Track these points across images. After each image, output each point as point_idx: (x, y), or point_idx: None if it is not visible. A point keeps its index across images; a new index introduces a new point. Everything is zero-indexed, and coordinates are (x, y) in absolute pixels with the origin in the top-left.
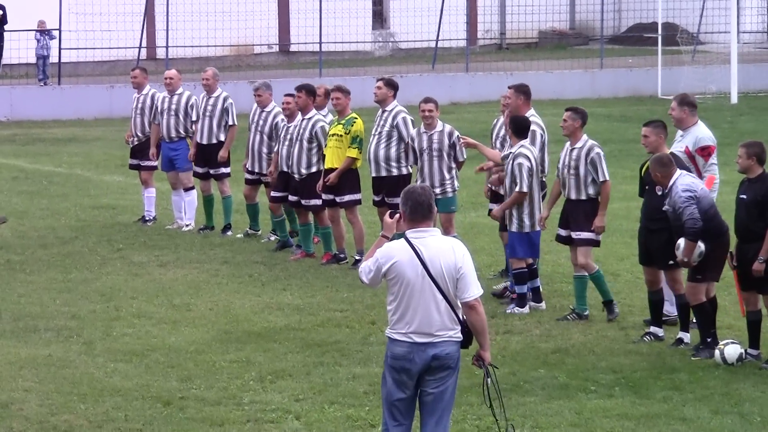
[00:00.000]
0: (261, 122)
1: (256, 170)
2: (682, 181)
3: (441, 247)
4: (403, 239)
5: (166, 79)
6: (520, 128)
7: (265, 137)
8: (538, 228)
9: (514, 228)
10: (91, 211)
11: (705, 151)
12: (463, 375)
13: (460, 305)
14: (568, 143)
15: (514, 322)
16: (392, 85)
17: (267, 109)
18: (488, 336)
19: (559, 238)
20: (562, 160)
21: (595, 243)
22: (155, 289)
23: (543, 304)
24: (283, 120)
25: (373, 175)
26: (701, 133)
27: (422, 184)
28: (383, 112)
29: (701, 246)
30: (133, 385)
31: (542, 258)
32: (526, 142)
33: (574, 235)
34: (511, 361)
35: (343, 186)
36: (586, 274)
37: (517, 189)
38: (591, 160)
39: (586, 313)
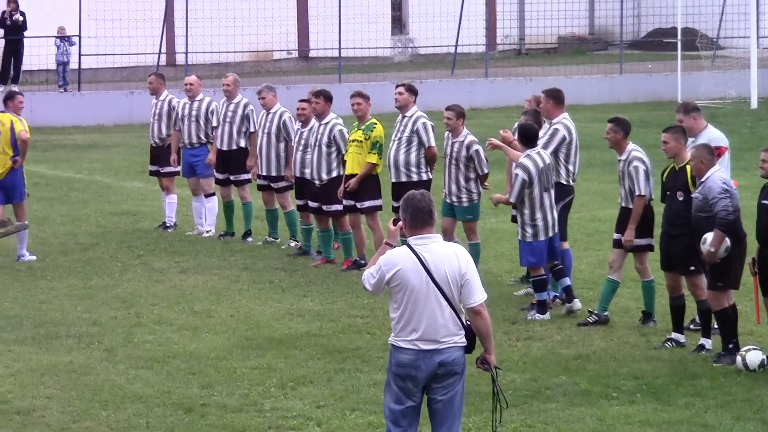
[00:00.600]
0: (268, 124)
1: (264, 173)
2: (721, 174)
3: (444, 253)
4: (405, 246)
5: (186, 85)
6: (526, 136)
7: (273, 138)
8: (541, 237)
9: (519, 236)
10: (112, 217)
11: (717, 152)
12: (484, 382)
13: (463, 310)
14: (617, 154)
15: (535, 328)
16: (413, 91)
17: (272, 110)
18: (493, 340)
19: (614, 243)
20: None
21: (649, 248)
22: (176, 295)
23: (577, 302)
24: (290, 119)
25: (393, 180)
26: (713, 134)
27: (422, 190)
28: (403, 117)
29: (727, 241)
30: (155, 392)
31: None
32: (532, 151)
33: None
34: (532, 367)
35: (363, 192)
36: (618, 280)
37: (509, 197)
38: (629, 173)
39: (606, 314)
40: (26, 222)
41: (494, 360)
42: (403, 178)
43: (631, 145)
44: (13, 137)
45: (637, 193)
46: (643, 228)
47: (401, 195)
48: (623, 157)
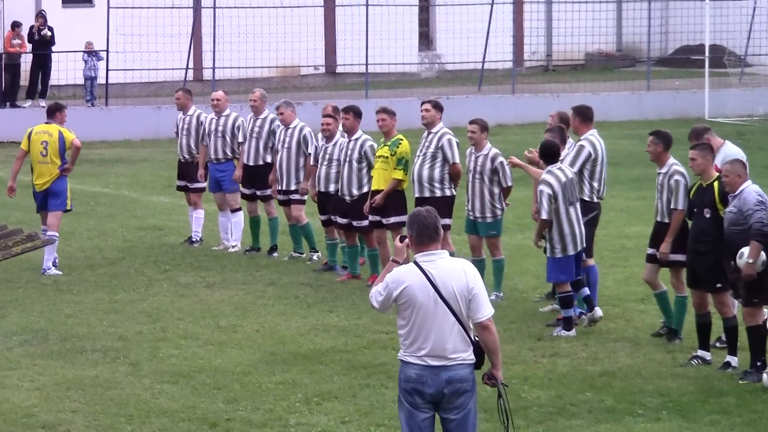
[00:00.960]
0: (288, 139)
1: (285, 188)
2: (755, 188)
3: (452, 269)
4: (412, 263)
5: (213, 100)
6: (547, 153)
7: (293, 153)
8: (570, 252)
9: (547, 253)
10: (138, 231)
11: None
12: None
13: (471, 326)
14: (657, 168)
15: (561, 344)
16: (439, 107)
17: (292, 125)
18: (500, 355)
19: (648, 258)
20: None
21: (683, 264)
22: (201, 310)
23: (598, 310)
24: (310, 133)
25: (417, 195)
26: (730, 150)
27: (427, 207)
28: (429, 133)
29: (763, 255)
30: (180, 407)
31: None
32: (554, 167)
33: (651, 251)
34: (557, 383)
35: (389, 207)
36: (665, 289)
37: (539, 216)
38: (669, 186)
39: (672, 327)
40: (55, 234)
41: (501, 376)
42: (427, 194)
43: (672, 159)
44: (62, 146)
45: (673, 207)
46: (680, 243)
47: None
48: (663, 171)
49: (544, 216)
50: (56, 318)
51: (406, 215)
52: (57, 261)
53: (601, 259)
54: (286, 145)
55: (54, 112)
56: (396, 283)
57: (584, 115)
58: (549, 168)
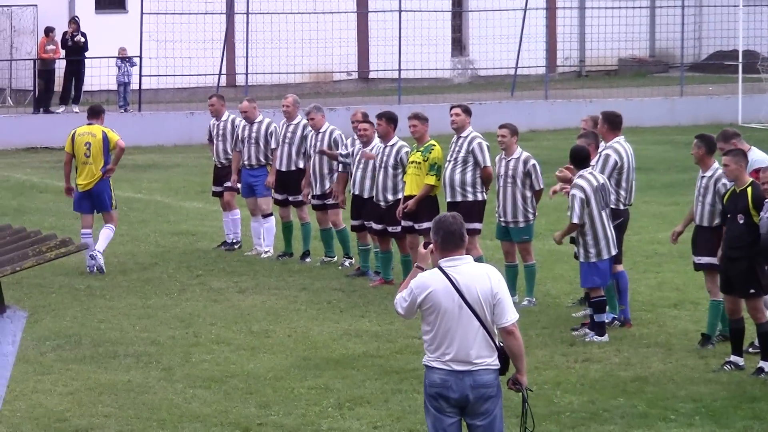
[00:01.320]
0: (318, 144)
1: (319, 193)
2: None
3: (476, 274)
4: (436, 269)
5: (241, 112)
6: (578, 158)
7: (325, 158)
8: (604, 256)
9: (581, 258)
10: (171, 237)
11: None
12: (540, 403)
13: (496, 331)
14: (700, 170)
15: (593, 350)
16: (468, 112)
17: (322, 130)
18: (525, 360)
19: (698, 266)
20: (696, 186)
21: (718, 268)
22: (234, 315)
23: (606, 338)
24: (340, 136)
25: (449, 200)
26: (756, 156)
27: (453, 212)
28: (459, 138)
29: None
30: (212, 411)
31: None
32: (585, 171)
33: (696, 259)
34: (590, 389)
35: (421, 213)
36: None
37: (570, 220)
38: (717, 190)
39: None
40: (111, 226)
41: (526, 381)
42: (459, 198)
43: (716, 164)
44: (106, 147)
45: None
46: (716, 247)
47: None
48: (708, 174)
49: (575, 220)
50: (89, 323)
51: None
52: (95, 268)
53: (633, 264)
54: (317, 151)
55: (99, 113)
56: (420, 289)
57: (612, 122)
58: (581, 173)
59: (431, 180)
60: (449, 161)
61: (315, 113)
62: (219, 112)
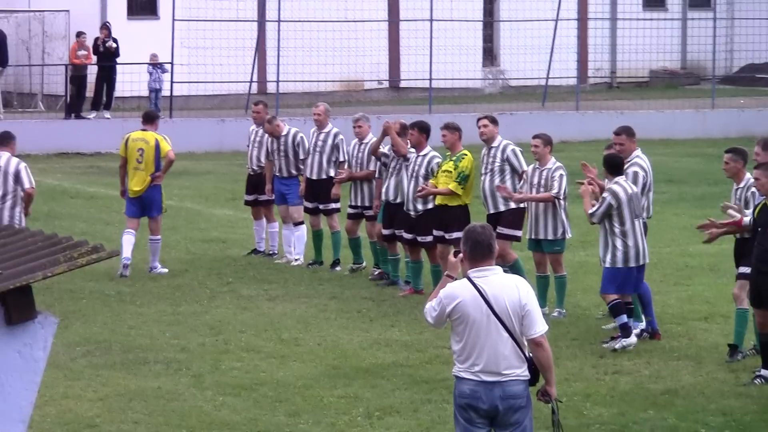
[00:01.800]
0: (360, 154)
1: (359, 203)
2: None
3: (504, 285)
4: (465, 279)
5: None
6: (613, 165)
7: (365, 168)
8: (632, 264)
9: (606, 263)
10: (201, 244)
11: None
12: (569, 415)
13: (525, 343)
14: (734, 183)
15: (623, 362)
16: (496, 122)
17: (365, 140)
18: (554, 372)
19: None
20: (732, 199)
21: (747, 277)
22: (264, 323)
23: (634, 338)
24: (389, 150)
25: (491, 212)
26: None
27: (483, 223)
28: (490, 148)
29: None
30: (242, 419)
31: (652, 298)
32: (621, 178)
33: (741, 270)
34: (619, 401)
35: (452, 222)
36: (747, 307)
37: (587, 213)
38: (746, 198)
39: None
40: (157, 237)
41: (555, 392)
42: (501, 207)
43: (748, 174)
44: (157, 155)
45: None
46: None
47: (499, 223)
48: (741, 185)
49: (594, 220)
50: (119, 329)
51: None
52: (158, 270)
53: (664, 277)
54: (359, 161)
55: (153, 119)
56: (449, 299)
57: (632, 132)
58: (616, 179)
59: (453, 185)
60: (485, 173)
61: (364, 122)
62: (262, 119)
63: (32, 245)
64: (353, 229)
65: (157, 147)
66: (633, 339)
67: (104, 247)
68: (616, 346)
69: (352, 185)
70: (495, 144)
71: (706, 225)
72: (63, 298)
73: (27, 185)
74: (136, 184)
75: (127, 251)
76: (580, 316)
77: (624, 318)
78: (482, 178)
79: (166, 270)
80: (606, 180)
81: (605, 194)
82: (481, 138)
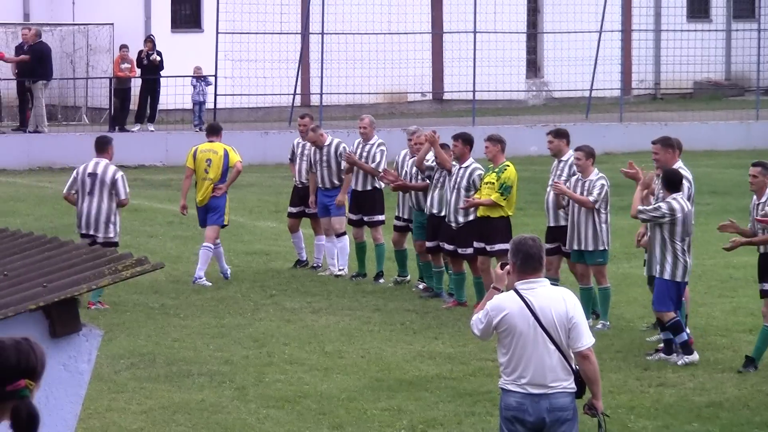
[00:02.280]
0: (407, 168)
1: (406, 216)
2: None
3: (551, 297)
4: (512, 291)
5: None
6: (671, 182)
7: (414, 181)
8: (678, 278)
9: (666, 274)
10: (245, 256)
11: None
12: (614, 428)
13: (572, 355)
14: (754, 197)
15: (668, 374)
16: (562, 135)
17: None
18: (601, 385)
19: (762, 293)
20: (752, 213)
21: None
22: (307, 335)
23: (696, 355)
24: (433, 163)
25: (552, 224)
26: None
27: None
28: (559, 162)
29: None
30: None
31: (695, 311)
32: (678, 195)
33: (762, 286)
34: (664, 414)
35: (494, 234)
36: None
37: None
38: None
39: None
40: (210, 246)
41: (602, 406)
42: (562, 222)
43: None
44: (225, 165)
45: None
46: None
47: (557, 238)
48: (763, 200)
49: (641, 216)
50: (163, 341)
51: None
52: (228, 272)
53: (708, 289)
54: (408, 175)
55: (218, 131)
56: (496, 311)
57: (670, 143)
58: (674, 196)
59: (495, 196)
60: (552, 186)
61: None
62: (309, 131)
63: (77, 258)
64: (400, 241)
65: (226, 157)
66: (695, 356)
67: (148, 260)
68: (679, 362)
69: (399, 197)
70: (564, 158)
71: (726, 226)
72: (107, 310)
73: (123, 196)
74: (203, 193)
75: (221, 262)
76: (624, 328)
77: (684, 336)
78: (547, 191)
79: (209, 284)
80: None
81: (661, 204)
82: (551, 153)
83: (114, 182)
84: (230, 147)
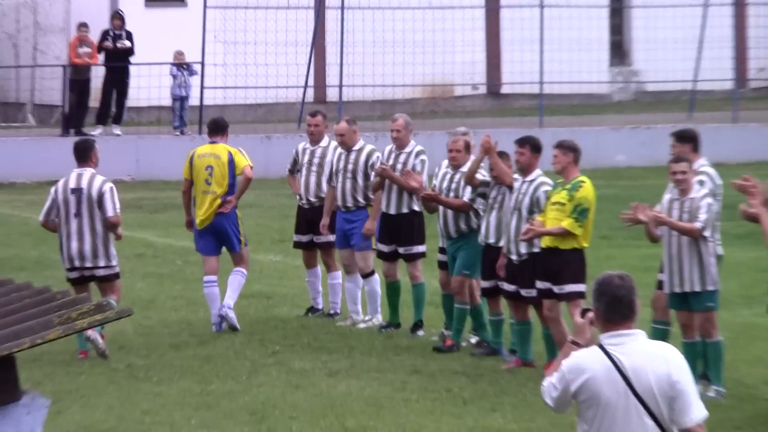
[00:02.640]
0: (454, 185)
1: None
2: None
3: (649, 355)
4: (596, 347)
5: (336, 135)
6: None
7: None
8: None
9: None
10: (239, 300)
11: None
12: None
13: None
14: None
15: None
16: (689, 138)
17: (463, 168)
18: None
19: None
20: None
21: None
22: (322, 406)
23: None
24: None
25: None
26: None
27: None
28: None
29: None
30: None
31: None
32: None
33: None
34: None
35: (563, 272)
36: None
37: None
38: None
39: None
40: (242, 271)
41: None
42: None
43: None
44: (231, 172)
45: None
46: None
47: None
48: None
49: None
50: (130, 415)
51: (585, 284)
52: (222, 323)
53: None
54: (451, 192)
55: (222, 129)
56: (574, 373)
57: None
58: None
59: (567, 223)
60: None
61: (462, 143)
62: (321, 135)
63: (17, 302)
64: (448, 282)
65: (231, 162)
66: None
67: (112, 305)
68: None
69: (443, 222)
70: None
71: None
72: (56, 372)
73: (110, 213)
74: (206, 212)
75: (215, 306)
76: (744, 396)
77: None
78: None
79: (238, 327)
80: None
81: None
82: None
83: (101, 195)
84: (237, 149)
